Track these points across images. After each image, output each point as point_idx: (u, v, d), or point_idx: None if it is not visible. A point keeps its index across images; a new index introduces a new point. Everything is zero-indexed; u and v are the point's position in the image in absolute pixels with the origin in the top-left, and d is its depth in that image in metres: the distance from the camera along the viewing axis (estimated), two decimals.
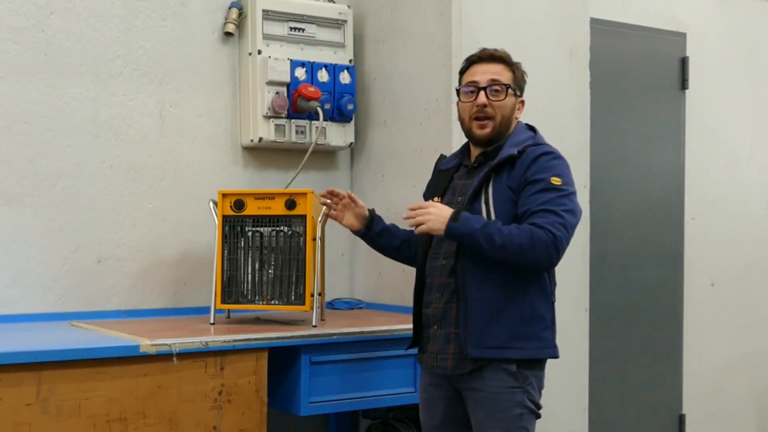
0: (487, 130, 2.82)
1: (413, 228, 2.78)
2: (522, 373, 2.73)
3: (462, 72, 2.91)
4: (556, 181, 2.70)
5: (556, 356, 2.81)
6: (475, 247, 2.67)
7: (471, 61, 2.89)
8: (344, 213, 3.18)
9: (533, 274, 2.74)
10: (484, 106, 2.80)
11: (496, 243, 2.63)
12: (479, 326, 2.71)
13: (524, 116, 2.95)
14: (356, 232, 3.20)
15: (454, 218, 2.67)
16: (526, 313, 2.73)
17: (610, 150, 4.40)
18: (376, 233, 3.14)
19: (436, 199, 2.91)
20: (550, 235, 2.62)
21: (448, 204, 2.85)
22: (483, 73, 2.83)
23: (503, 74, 2.83)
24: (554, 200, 2.67)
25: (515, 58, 2.90)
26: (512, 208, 2.73)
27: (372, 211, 3.18)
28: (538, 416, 2.80)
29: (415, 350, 2.99)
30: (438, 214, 2.70)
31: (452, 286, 2.78)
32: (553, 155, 2.77)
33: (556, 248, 2.64)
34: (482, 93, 2.80)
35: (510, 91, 2.82)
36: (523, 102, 2.90)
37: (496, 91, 2.81)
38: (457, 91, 2.90)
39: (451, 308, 2.79)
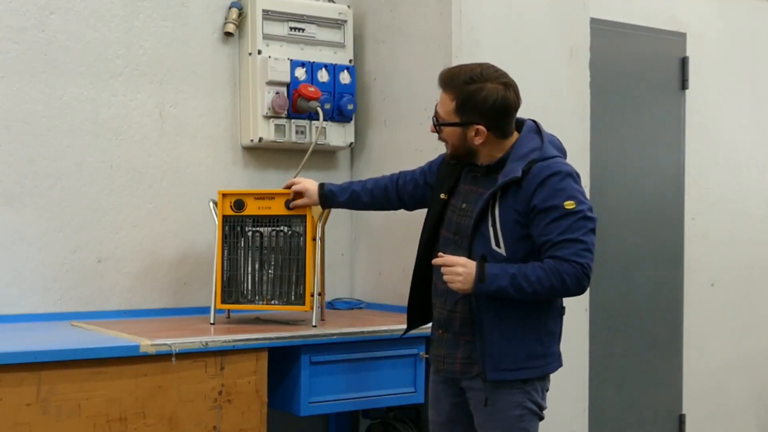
0: (447, 152, 2.83)
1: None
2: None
3: None
4: (569, 205, 2.64)
5: (560, 365, 2.84)
6: (507, 299, 2.66)
7: None
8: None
9: None
10: (435, 132, 2.82)
11: (528, 291, 2.62)
12: (496, 350, 2.71)
13: (525, 116, 2.92)
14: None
15: (480, 279, 2.62)
16: (540, 331, 2.74)
17: (610, 150, 4.40)
18: (342, 203, 3.24)
19: (442, 196, 2.88)
20: (577, 266, 2.62)
21: (453, 211, 2.83)
22: (439, 100, 2.80)
23: (444, 105, 2.74)
24: (572, 226, 2.63)
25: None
26: (520, 230, 2.69)
27: (324, 190, 3.22)
28: (541, 418, 2.80)
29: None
30: (466, 275, 2.64)
31: (456, 296, 2.76)
32: (561, 175, 2.67)
33: (585, 275, 2.64)
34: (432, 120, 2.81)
35: (444, 127, 2.76)
36: (480, 130, 2.69)
37: (438, 123, 2.79)
38: None
39: (454, 318, 2.78)
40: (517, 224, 2.68)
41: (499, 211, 2.69)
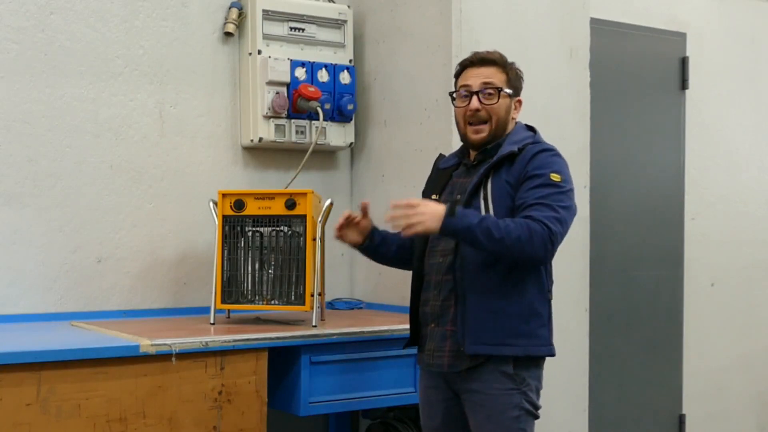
0: (482, 135, 2.81)
1: (399, 230, 2.71)
2: (519, 374, 2.73)
3: (456, 76, 2.90)
4: (555, 177, 2.70)
5: (552, 354, 2.81)
6: (472, 242, 2.65)
7: (464, 66, 2.87)
8: (347, 232, 3.07)
9: (530, 269, 2.74)
10: (478, 110, 2.80)
11: (494, 237, 2.60)
12: (477, 323, 2.71)
13: (524, 116, 2.95)
14: (358, 247, 3.09)
15: (450, 213, 2.62)
16: (523, 310, 2.73)
17: (610, 150, 4.40)
18: (377, 244, 3.07)
19: (434, 196, 2.90)
20: (546, 229, 2.62)
21: (445, 203, 2.85)
22: (476, 77, 2.81)
23: (496, 77, 2.81)
24: (551, 195, 2.68)
25: (515, 59, 2.90)
26: (510, 202, 2.73)
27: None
28: (537, 417, 2.79)
29: (412, 350, 2.98)
30: (432, 212, 2.63)
31: (450, 284, 2.78)
32: (553, 152, 2.78)
33: (551, 242, 2.64)
34: (475, 97, 2.80)
35: (503, 93, 2.81)
36: (520, 102, 2.88)
37: (489, 94, 2.79)
38: (451, 95, 2.90)
39: (449, 306, 2.78)
40: (508, 196, 2.73)
41: (492, 185, 2.75)
